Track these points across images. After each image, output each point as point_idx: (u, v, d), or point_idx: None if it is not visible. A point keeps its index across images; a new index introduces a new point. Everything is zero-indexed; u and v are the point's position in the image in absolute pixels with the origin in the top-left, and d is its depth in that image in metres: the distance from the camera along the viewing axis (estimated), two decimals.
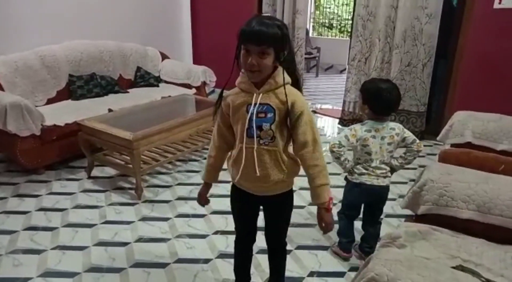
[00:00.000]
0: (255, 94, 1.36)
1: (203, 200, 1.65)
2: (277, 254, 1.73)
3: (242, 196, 1.54)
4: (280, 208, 1.58)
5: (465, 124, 2.58)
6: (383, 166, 1.99)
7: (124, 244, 2.28)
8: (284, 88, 1.35)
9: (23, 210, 2.61)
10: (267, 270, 1.83)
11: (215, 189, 2.89)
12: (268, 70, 1.33)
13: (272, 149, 1.39)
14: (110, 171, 3.18)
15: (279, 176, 1.43)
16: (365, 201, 2.11)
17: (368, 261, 1.37)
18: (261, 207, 1.62)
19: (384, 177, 2.00)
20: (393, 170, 2.05)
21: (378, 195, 2.04)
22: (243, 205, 1.59)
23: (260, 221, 1.63)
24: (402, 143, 1.99)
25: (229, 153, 1.54)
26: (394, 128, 1.96)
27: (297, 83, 1.42)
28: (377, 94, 1.90)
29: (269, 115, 1.35)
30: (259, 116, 1.35)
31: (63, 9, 3.87)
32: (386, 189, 2.04)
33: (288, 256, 2.02)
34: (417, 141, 1.99)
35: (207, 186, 1.64)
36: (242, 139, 1.39)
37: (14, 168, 3.17)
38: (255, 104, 1.35)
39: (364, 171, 1.99)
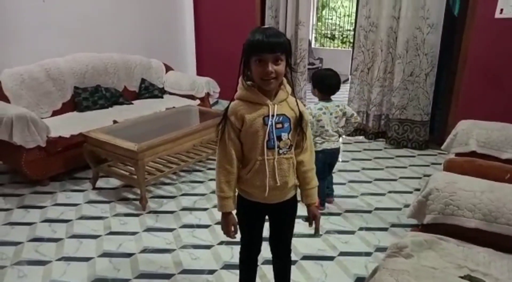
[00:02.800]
0: (270, 106, 1.37)
1: (235, 230, 1.54)
2: (285, 261, 1.72)
3: (250, 207, 1.53)
4: (289, 212, 1.59)
5: (469, 133, 2.58)
6: (334, 133, 2.59)
7: (129, 255, 2.27)
8: (295, 97, 1.44)
9: (28, 221, 2.62)
10: (272, 281, 1.82)
11: None
12: (281, 77, 1.36)
13: (290, 157, 1.45)
14: (114, 182, 3.19)
15: (294, 181, 1.50)
16: (328, 162, 2.66)
17: (375, 271, 1.36)
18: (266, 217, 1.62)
19: (337, 141, 2.62)
20: (339, 136, 2.68)
21: (335, 155, 2.66)
22: (252, 216, 1.57)
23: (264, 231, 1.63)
24: (344, 116, 2.62)
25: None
26: (339, 105, 2.60)
27: (293, 92, 1.47)
28: (323, 80, 2.54)
29: (286, 125, 1.40)
30: (277, 127, 1.38)
31: (68, 22, 3.93)
32: (339, 149, 2.67)
33: (293, 267, 2.02)
34: (355, 114, 2.65)
35: (229, 214, 1.51)
36: (263, 152, 1.39)
37: (19, 179, 3.18)
38: (273, 115, 1.37)
39: (323, 140, 2.57)
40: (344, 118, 2.64)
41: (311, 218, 1.57)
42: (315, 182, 1.55)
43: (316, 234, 1.61)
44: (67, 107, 3.68)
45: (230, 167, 1.43)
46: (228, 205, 1.46)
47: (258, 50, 1.29)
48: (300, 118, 1.42)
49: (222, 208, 1.47)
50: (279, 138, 1.39)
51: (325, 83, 2.55)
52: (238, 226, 1.55)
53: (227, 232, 1.52)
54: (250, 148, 1.41)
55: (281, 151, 1.40)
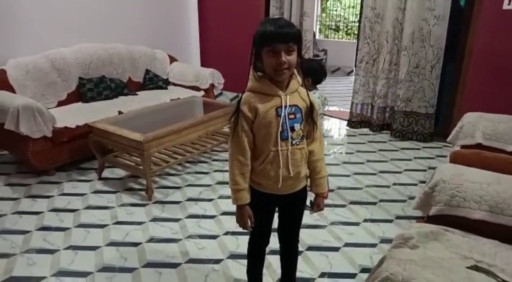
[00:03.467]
0: (282, 97, 1.38)
1: (252, 222, 1.50)
2: (293, 251, 1.74)
3: (261, 199, 1.51)
4: (298, 203, 1.60)
5: (475, 125, 2.58)
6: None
7: (136, 244, 2.30)
8: (305, 87, 1.45)
9: (35, 210, 2.65)
10: (278, 271, 1.85)
11: (223, 190, 2.92)
12: (293, 67, 1.37)
13: (303, 147, 1.46)
14: (120, 172, 3.21)
15: (306, 170, 1.53)
16: None
17: (382, 261, 1.37)
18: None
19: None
20: None
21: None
22: (263, 208, 1.56)
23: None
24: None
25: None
26: (315, 92, 2.58)
27: (303, 82, 1.47)
28: (319, 70, 2.58)
29: (298, 115, 1.41)
30: (290, 117, 1.39)
31: (73, 13, 3.92)
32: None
33: (299, 257, 2.03)
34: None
35: (245, 206, 1.48)
36: (277, 143, 1.39)
37: (25, 169, 3.20)
38: (285, 106, 1.37)
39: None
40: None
41: (315, 207, 1.59)
42: (324, 171, 1.56)
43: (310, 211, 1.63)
44: (72, 98, 3.68)
45: (244, 159, 1.42)
46: (244, 197, 1.45)
47: (271, 41, 1.29)
48: (311, 108, 1.43)
49: (238, 201, 1.45)
50: (292, 129, 1.39)
51: (321, 73, 2.60)
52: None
53: (243, 224, 1.50)
54: (263, 139, 1.41)
55: (294, 142, 1.41)
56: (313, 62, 2.73)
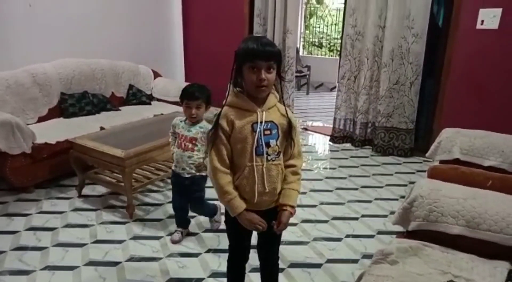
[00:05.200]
0: (259, 113, 1.40)
1: (261, 222, 1.46)
2: (273, 268, 1.73)
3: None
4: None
5: (453, 141, 2.63)
6: None
7: (115, 263, 2.25)
8: (284, 103, 1.46)
9: (12, 229, 2.57)
10: None
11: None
12: (272, 85, 1.39)
13: (279, 163, 1.46)
14: (101, 189, 3.15)
15: (282, 186, 1.50)
16: None
17: (361, 277, 1.38)
18: None
19: None
20: None
21: None
22: (240, 225, 1.52)
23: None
24: None
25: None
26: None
27: (281, 99, 1.49)
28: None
29: (274, 131, 1.42)
30: (265, 133, 1.40)
31: (55, 28, 3.91)
32: None
33: (280, 274, 2.02)
34: None
35: (247, 211, 1.45)
36: (252, 158, 1.40)
37: (3, 187, 3.12)
38: (261, 122, 1.39)
39: None
40: None
41: (278, 223, 1.46)
42: (298, 186, 1.50)
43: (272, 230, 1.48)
44: (53, 114, 3.64)
45: (226, 168, 1.43)
46: (239, 203, 1.43)
47: (253, 58, 1.32)
48: (289, 125, 1.45)
49: (237, 209, 1.42)
50: (268, 144, 1.41)
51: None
52: (228, 232, 1.56)
53: (255, 228, 1.45)
54: (239, 153, 1.42)
55: (269, 157, 1.42)
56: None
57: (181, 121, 2.35)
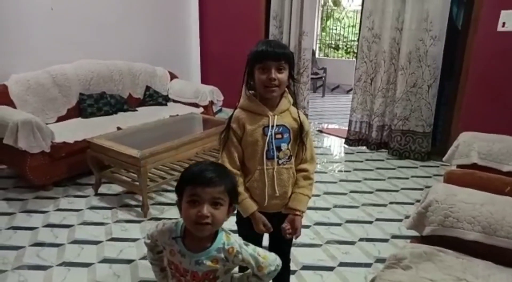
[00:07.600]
0: (270, 116, 1.40)
1: (268, 226, 1.47)
2: (284, 270, 1.72)
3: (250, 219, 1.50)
4: None
5: (471, 145, 2.58)
6: None
7: (129, 261, 2.28)
8: (297, 107, 1.46)
9: (30, 225, 2.64)
10: None
11: None
12: (284, 86, 1.39)
13: (290, 167, 1.45)
14: (117, 188, 3.21)
15: (292, 190, 1.49)
16: None
17: (373, 281, 1.36)
18: None
19: None
20: None
21: None
22: (252, 226, 1.52)
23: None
24: None
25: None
26: None
27: (295, 103, 1.49)
28: None
29: (285, 135, 1.42)
30: (276, 137, 1.40)
31: (75, 30, 4.00)
32: None
33: (292, 276, 2.01)
34: None
35: (258, 214, 1.47)
36: (262, 162, 1.41)
37: (23, 184, 3.21)
38: (273, 126, 1.39)
39: None
40: None
41: (289, 228, 1.45)
42: (309, 191, 1.49)
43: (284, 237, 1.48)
44: (72, 114, 3.72)
45: (237, 170, 1.44)
46: (251, 204, 1.44)
47: (262, 58, 1.33)
48: (300, 129, 1.44)
49: (248, 210, 1.44)
50: (279, 148, 1.41)
51: None
52: (240, 233, 1.55)
53: (260, 230, 1.47)
54: (249, 157, 1.43)
55: (280, 161, 1.42)
56: None
57: None
